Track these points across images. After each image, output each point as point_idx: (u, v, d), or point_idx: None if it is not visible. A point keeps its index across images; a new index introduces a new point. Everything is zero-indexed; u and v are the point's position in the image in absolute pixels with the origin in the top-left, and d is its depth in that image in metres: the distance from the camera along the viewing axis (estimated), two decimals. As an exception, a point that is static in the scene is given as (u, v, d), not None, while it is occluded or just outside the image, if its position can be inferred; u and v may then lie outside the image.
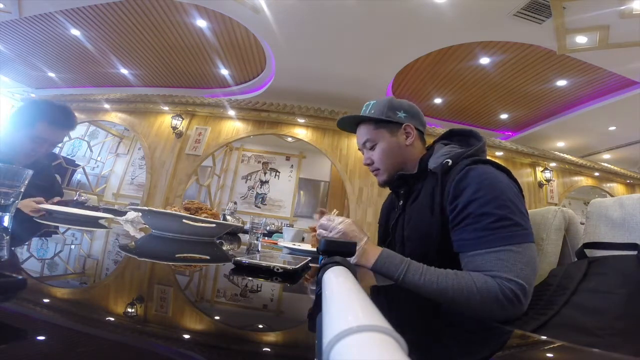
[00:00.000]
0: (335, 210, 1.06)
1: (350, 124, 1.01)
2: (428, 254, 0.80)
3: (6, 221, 0.57)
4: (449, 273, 0.68)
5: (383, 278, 0.73)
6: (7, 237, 0.49)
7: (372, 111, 0.94)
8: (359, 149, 1.01)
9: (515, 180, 0.78)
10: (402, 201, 0.94)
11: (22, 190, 0.62)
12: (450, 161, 0.81)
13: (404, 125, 0.93)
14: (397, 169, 0.93)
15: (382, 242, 1.06)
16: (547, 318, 0.65)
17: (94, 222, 1.06)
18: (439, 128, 5.21)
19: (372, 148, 0.95)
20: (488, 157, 0.83)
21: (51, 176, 1.60)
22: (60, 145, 5.79)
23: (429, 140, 0.99)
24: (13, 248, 0.47)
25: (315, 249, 1.01)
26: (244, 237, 1.58)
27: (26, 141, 1.26)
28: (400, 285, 0.71)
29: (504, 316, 0.64)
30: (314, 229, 1.28)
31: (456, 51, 4.00)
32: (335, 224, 0.80)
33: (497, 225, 0.67)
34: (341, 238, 0.77)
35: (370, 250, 0.76)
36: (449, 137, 0.97)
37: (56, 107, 1.33)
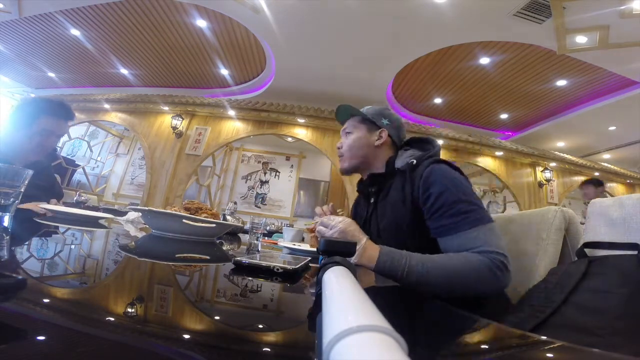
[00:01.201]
0: (338, 210, 1.12)
1: (345, 115, 1.14)
2: (402, 242, 0.86)
3: (6, 221, 0.57)
4: (443, 257, 0.76)
5: (383, 278, 0.73)
6: (7, 237, 0.49)
7: (366, 110, 1.09)
8: (340, 136, 1.14)
9: (466, 177, 0.91)
10: (372, 199, 1.04)
11: (22, 190, 0.62)
12: (415, 161, 0.94)
13: (380, 129, 1.05)
14: (358, 161, 1.05)
15: None
16: (546, 316, 0.65)
17: (94, 222, 1.06)
18: (439, 128, 5.21)
19: (346, 135, 1.09)
20: (442, 159, 0.98)
21: (51, 176, 1.60)
22: (59, 145, 5.79)
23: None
24: (13, 248, 0.47)
25: (314, 249, 1.01)
26: (244, 237, 1.58)
27: (33, 136, 1.28)
28: (404, 281, 0.72)
29: (496, 287, 0.72)
30: (312, 230, 1.29)
31: (456, 51, 4.00)
32: (334, 223, 0.83)
33: (468, 209, 0.79)
34: (340, 237, 0.80)
35: (370, 250, 0.77)
36: (408, 144, 1.11)
37: (53, 101, 1.38)
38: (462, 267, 0.72)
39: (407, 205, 0.89)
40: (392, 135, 1.06)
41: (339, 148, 1.10)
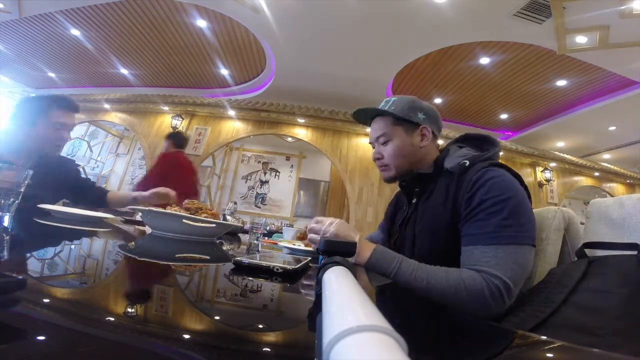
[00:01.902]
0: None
1: (366, 116, 1.02)
2: (437, 249, 0.82)
3: (6, 221, 0.57)
4: (439, 270, 0.71)
5: (383, 278, 0.73)
6: (7, 237, 0.49)
7: (393, 107, 0.94)
8: (370, 142, 1.02)
9: (525, 187, 0.81)
10: (415, 199, 0.95)
11: (22, 190, 0.62)
12: (467, 162, 0.83)
13: (421, 127, 0.93)
14: (406, 168, 0.94)
15: (387, 238, 1.07)
16: (546, 316, 0.65)
17: (94, 222, 1.06)
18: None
19: (384, 143, 0.95)
20: (501, 162, 0.87)
21: (64, 173, 1.56)
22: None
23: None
24: (13, 248, 0.47)
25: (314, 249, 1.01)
26: (244, 237, 1.58)
27: (48, 131, 1.28)
28: (393, 281, 0.72)
29: (485, 313, 0.67)
30: (303, 237, 1.29)
31: (456, 51, 4.00)
32: (325, 227, 0.80)
33: (503, 224, 0.71)
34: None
35: (364, 248, 0.77)
36: (463, 140, 0.99)
37: (58, 95, 1.39)
38: (450, 287, 0.67)
39: (447, 209, 0.81)
40: (433, 129, 0.95)
41: (378, 159, 0.98)
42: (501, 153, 5.18)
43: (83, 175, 1.66)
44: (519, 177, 0.81)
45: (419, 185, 0.95)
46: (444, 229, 0.81)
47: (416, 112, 0.94)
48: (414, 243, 0.90)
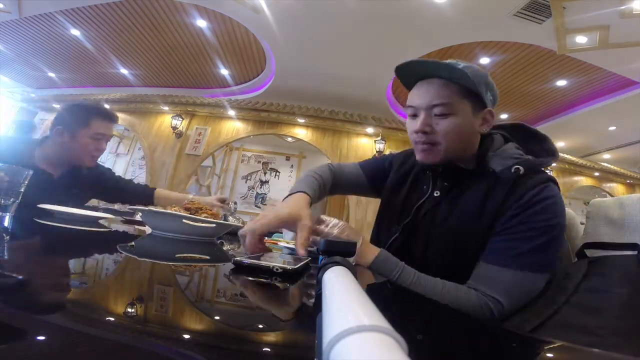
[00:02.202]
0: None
1: (415, 72, 0.76)
2: (455, 262, 0.74)
3: (6, 221, 0.57)
4: (437, 284, 0.70)
5: (382, 278, 0.73)
6: (7, 237, 0.49)
7: (468, 73, 0.69)
8: (410, 106, 0.77)
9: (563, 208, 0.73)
10: (437, 192, 0.80)
11: (22, 190, 0.62)
12: (522, 169, 0.69)
13: (487, 109, 0.76)
14: (455, 154, 0.75)
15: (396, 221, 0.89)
16: (546, 316, 0.65)
17: (94, 222, 1.06)
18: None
19: (442, 115, 0.72)
20: (554, 177, 0.77)
21: (104, 174, 1.56)
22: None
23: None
24: (12, 248, 0.47)
25: (313, 249, 1.00)
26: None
27: (88, 141, 1.29)
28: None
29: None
30: None
31: (456, 51, 4.00)
32: (328, 230, 0.75)
33: (535, 251, 0.66)
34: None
35: (367, 251, 0.75)
36: (510, 130, 0.83)
37: (98, 103, 1.43)
38: (444, 301, 0.65)
39: (482, 223, 0.70)
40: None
41: (425, 132, 0.73)
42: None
43: (116, 174, 1.66)
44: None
45: (449, 180, 0.79)
46: (471, 238, 0.71)
47: (488, 90, 0.75)
48: (426, 246, 0.79)
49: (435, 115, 0.73)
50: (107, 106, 1.51)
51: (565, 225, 0.72)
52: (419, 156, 0.78)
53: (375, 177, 0.99)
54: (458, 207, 0.75)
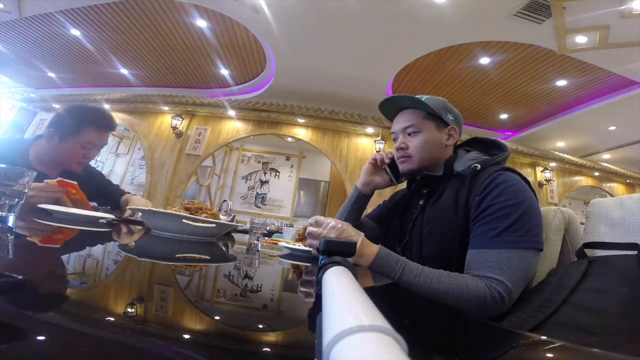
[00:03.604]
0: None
1: (393, 107, 1.00)
2: (446, 253, 0.82)
3: (11, 221, 0.57)
4: (442, 275, 0.71)
5: (382, 278, 0.73)
6: (12, 237, 0.49)
7: (428, 103, 0.95)
8: (392, 133, 1.01)
9: (533, 192, 0.81)
10: (422, 201, 0.95)
11: (26, 190, 0.62)
12: (479, 165, 0.84)
13: (449, 127, 0.95)
14: (427, 162, 0.94)
15: (396, 240, 1.03)
16: (545, 316, 0.65)
17: (94, 222, 1.06)
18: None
19: (412, 134, 0.95)
20: (512, 167, 0.87)
21: (93, 175, 1.54)
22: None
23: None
24: (16, 247, 0.47)
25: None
26: (239, 237, 1.58)
27: (77, 148, 1.27)
28: (396, 283, 0.72)
29: (484, 315, 0.68)
30: (301, 238, 1.26)
31: (456, 51, 4.00)
32: (327, 229, 0.75)
33: (510, 229, 0.72)
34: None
35: (366, 249, 0.75)
36: (470, 144, 1.01)
37: (97, 110, 1.36)
38: (453, 292, 0.68)
39: (458, 215, 0.81)
40: (459, 133, 0.97)
41: (402, 148, 0.96)
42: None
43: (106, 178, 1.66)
44: (528, 183, 0.81)
45: (427, 187, 0.95)
46: (452, 232, 0.81)
47: (446, 112, 0.96)
48: (421, 245, 0.89)
49: (408, 134, 0.95)
50: (108, 111, 1.42)
51: (536, 206, 0.77)
52: (400, 167, 0.98)
53: (379, 217, 1.16)
54: (438, 206, 0.88)
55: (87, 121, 1.29)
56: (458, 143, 1.01)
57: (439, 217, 0.86)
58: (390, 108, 1.00)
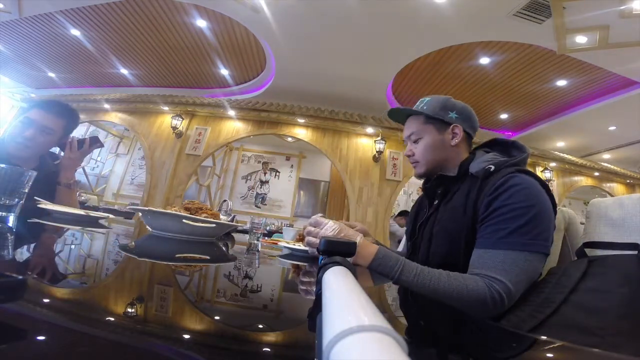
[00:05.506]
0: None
1: (400, 116, 1.05)
2: (453, 252, 0.82)
3: (11, 221, 0.57)
4: (442, 275, 0.71)
5: (382, 278, 0.73)
6: (12, 237, 0.49)
7: (425, 107, 0.97)
8: (403, 140, 1.05)
9: (552, 197, 0.79)
10: (437, 201, 0.96)
11: (26, 190, 0.62)
12: (492, 167, 0.83)
13: (452, 126, 0.95)
14: (436, 164, 0.96)
15: (408, 239, 1.08)
16: (545, 316, 0.65)
17: (94, 222, 1.06)
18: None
19: (416, 141, 0.98)
20: (528, 169, 0.85)
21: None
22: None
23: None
24: (16, 247, 0.47)
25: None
26: (239, 237, 1.58)
27: (17, 125, 1.20)
28: (394, 284, 0.72)
29: (484, 315, 0.68)
30: (301, 238, 1.27)
31: (456, 51, 4.00)
32: (324, 230, 0.77)
33: (520, 231, 0.71)
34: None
35: (365, 249, 0.75)
36: (490, 145, 1.01)
37: (50, 100, 1.34)
38: (453, 291, 0.67)
39: (466, 212, 0.81)
40: (466, 128, 0.96)
41: (410, 156, 1.00)
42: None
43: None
44: (545, 186, 0.79)
45: (442, 188, 0.96)
46: (461, 232, 0.81)
47: (447, 111, 0.95)
48: (429, 244, 0.90)
49: (412, 142, 0.99)
50: (61, 102, 1.36)
51: (549, 211, 0.75)
52: (414, 172, 1.02)
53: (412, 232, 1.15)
54: (450, 206, 0.89)
55: (34, 105, 1.27)
56: (474, 135, 0.99)
57: (449, 217, 0.87)
58: (400, 114, 1.04)
